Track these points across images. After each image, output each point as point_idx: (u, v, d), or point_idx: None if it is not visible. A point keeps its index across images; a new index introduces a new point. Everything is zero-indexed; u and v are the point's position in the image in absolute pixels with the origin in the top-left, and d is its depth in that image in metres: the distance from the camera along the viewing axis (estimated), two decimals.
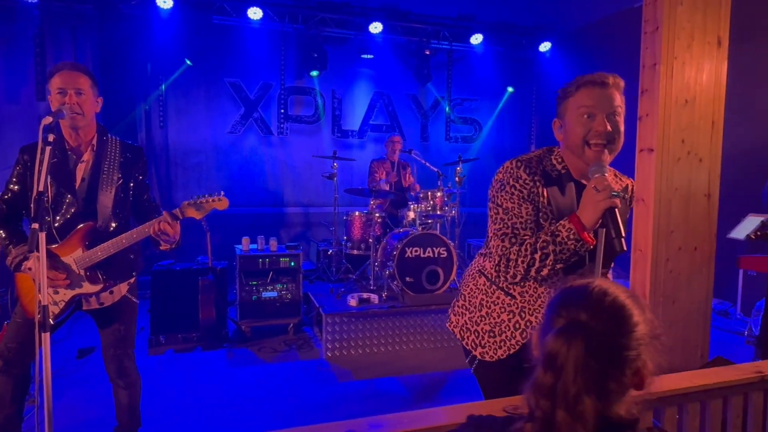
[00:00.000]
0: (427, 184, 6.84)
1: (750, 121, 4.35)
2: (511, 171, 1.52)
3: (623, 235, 1.36)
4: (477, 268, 1.73)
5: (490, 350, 1.65)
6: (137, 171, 2.25)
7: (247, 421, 3.04)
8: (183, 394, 3.36)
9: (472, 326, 1.69)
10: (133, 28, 5.84)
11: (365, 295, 4.40)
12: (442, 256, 4.54)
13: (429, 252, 4.50)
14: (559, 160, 1.56)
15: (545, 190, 1.52)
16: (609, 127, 1.42)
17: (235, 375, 3.69)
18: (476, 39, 6.96)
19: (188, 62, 6.16)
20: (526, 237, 1.48)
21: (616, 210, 1.35)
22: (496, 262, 1.50)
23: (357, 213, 5.30)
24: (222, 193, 2.17)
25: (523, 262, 1.44)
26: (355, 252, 5.25)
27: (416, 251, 4.47)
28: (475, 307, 1.69)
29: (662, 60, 2.75)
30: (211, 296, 4.19)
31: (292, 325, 4.53)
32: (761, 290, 4.68)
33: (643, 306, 0.88)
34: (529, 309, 1.60)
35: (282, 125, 6.82)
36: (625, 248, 1.38)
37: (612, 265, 1.75)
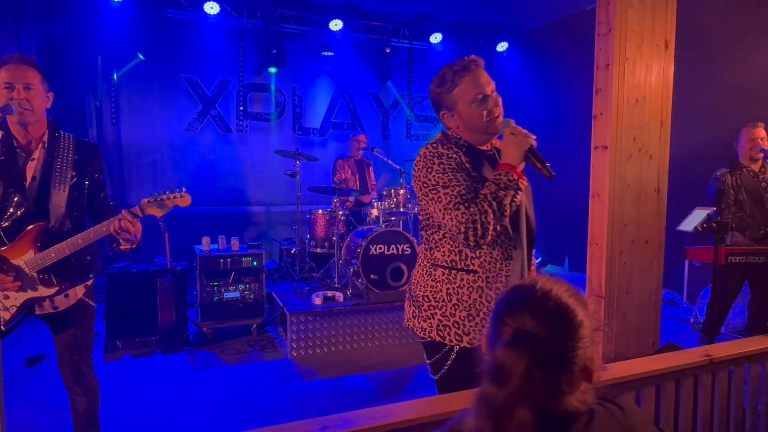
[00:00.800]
0: (390, 181, 6.89)
1: (696, 119, 4.60)
2: (431, 152, 1.64)
3: (547, 164, 1.55)
4: (428, 265, 1.72)
5: (476, 333, 1.64)
6: (93, 169, 2.17)
7: (211, 424, 2.98)
8: (143, 400, 3.25)
9: (449, 320, 1.66)
10: (82, 20, 5.58)
11: (330, 294, 4.38)
12: (405, 252, 4.58)
13: (393, 249, 4.53)
14: (458, 137, 1.70)
15: (465, 157, 1.65)
16: (497, 102, 1.66)
17: (198, 378, 3.60)
18: (436, 38, 7.04)
19: (141, 56, 5.95)
20: (473, 198, 1.57)
21: (534, 147, 1.56)
22: (463, 230, 1.52)
23: (320, 211, 5.27)
24: (184, 189, 2.12)
25: (486, 216, 1.51)
26: (319, 250, 5.22)
27: (380, 248, 4.49)
28: (443, 301, 1.67)
29: (615, 61, 2.86)
30: (170, 298, 4.07)
31: (255, 325, 4.46)
32: (705, 280, 4.96)
33: (584, 301, 0.91)
34: (493, 277, 1.65)
35: (241, 123, 6.69)
36: (554, 173, 1.56)
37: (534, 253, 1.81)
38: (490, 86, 1.66)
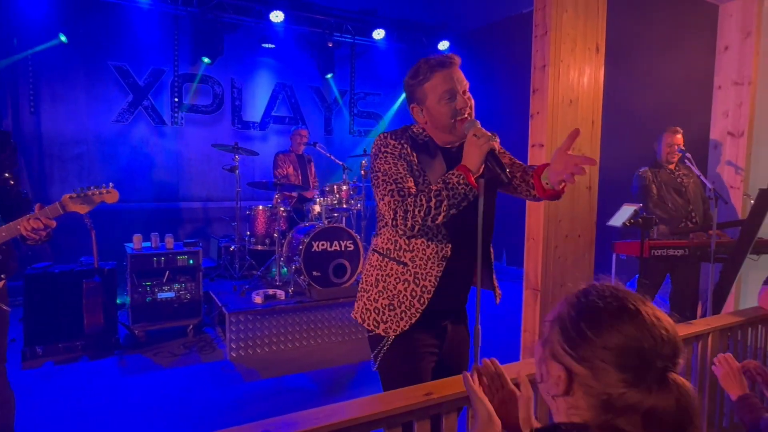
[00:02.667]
0: (332, 177, 6.82)
1: (624, 120, 4.87)
2: (380, 141, 1.66)
3: (506, 169, 1.52)
4: (371, 249, 1.80)
5: (392, 324, 1.66)
6: (4, 160, 1.98)
7: (146, 431, 2.83)
8: (67, 410, 3.03)
9: (371, 304, 1.70)
10: None
11: (271, 292, 4.28)
12: (348, 249, 4.55)
13: (336, 245, 4.49)
14: (421, 131, 1.70)
15: (413, 152, 1.65)
16: (467, 103, 1.63)
17: (129, 384, 3.41)
18: (378, 34, 7.03)
19: (63, 38, 5.50)
20: (410, 188, 1.57)
21: (495, 151, 1.52)
22: (392, 216, 1.53)
23: (261, 207, 5.13)
24: (111, 184, 1.98)
25: (419, 210, 1.50)
26: (260, 247, 5.09)
27: (323, 245, 4.43)
28: (371, 285, 1.72)
29: (551, 62, 2.97)
30: (97, 300, 3.82)
31: (192, 326, 4.28)
32: (631, 272, 5.28)
33: None
34: (422, 274, 1.65)
35: (176, 115, 6.39)
36: (510, 178, 1.58)
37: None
38: (463, 86, 1.63)
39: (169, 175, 6.39)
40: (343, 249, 4.52)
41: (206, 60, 6.18)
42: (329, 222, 4.74)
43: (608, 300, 0.76)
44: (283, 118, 7.11)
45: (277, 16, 6.28)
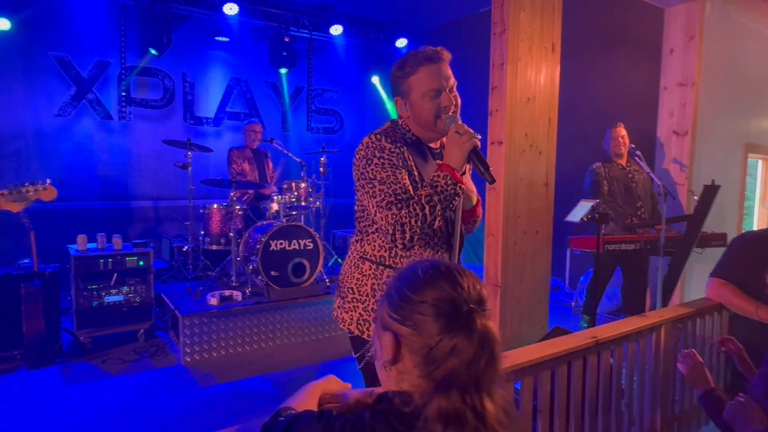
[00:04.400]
0: (290, 175, 6.69)
1: (579, 118, 5.01)
2: (374, 144, 1.55)
3: (490, 168, 1.49)
4: (357, 257, 1.68)
5: None
6: None
7: None
8: (3, 424, 2.82)
9: (370, 315, 1.63)
10: None
11: (227, 293, 4.14)
12: (308, 247, 4.46)
13: (294, 244, 4.39)
14: (407, 128, 1.65)
15: (410, 154, 1.59)
16: (453, 101, 1.58)
17: (74, 394, 3.21)
18: (336, 30, 6.95)
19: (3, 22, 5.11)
20: (409, 198, 1.51)
21: (478, 149, 1.49)
22: (391, 231, 1.47)
23: (215, 205, 4.96)
24: (48, 181, 1.84)
25: (416, 220, 1.45)
26: (215, 247, 4.92)
27: (281, 244, 4.33)
28: (367, 296, 1.63)
29: (509, 60, 3.00)
30: (37, 305, 3.57)
31: (142, 330, 4.08)
32: (585, 266, 5.44)
33: None
34: None
35: (124, 109, 6.09)
36: (495, 179, 1.51)
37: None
38: (450, 83, 1.58)
39: (116, 173, 6.08)
40: (302, 248, 4.43)
41: (153, 51, 5.91)
42: (288, 220, 4.63)
43: (424, 266, 0.86)
44: (238, 114, 6.92)
45: (231, 9, 6.08)
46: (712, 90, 4.28)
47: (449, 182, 1.45)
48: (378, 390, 0.91)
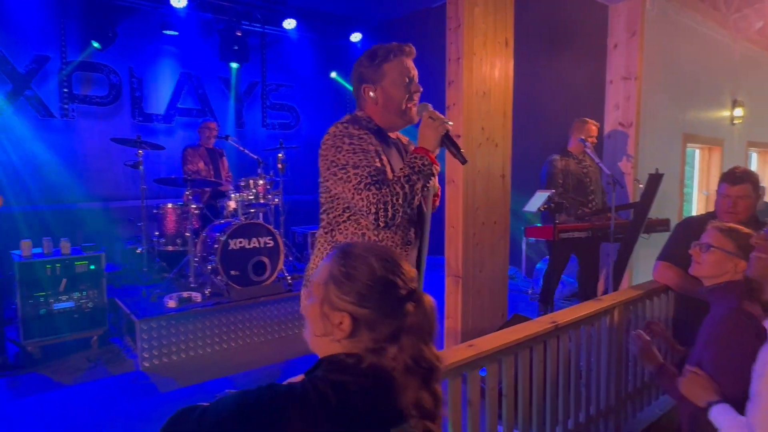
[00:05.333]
0: (247, 172, 6.56)
1: (534, 111, 5.16)
2: (341, 131, 1.59)
3: (462, 150, 1.59)
4: (328, 248, 1.67)
5: None
6: None
7: None
8: None
9: None
10: None
11: (186, 294, 4.04)
12: (268, 245, 4.41)
13: (254, 242, 4.33)
14: (368, 119, 1.69)
15: (376, 140, 1.63)
16: (420, 89, 1.70)
17: (24, 407, 3.05)
18: (290, 24, 6.84)
19: None
20: (385, 179, 1.55)
21: (450, 133, 1.58)
22: (374, 210, 1.49)
23: (170, 205, 4.81)
24: None
25: (398, 198, 1.50)
26: (171, 248, 4.77)
27: (240, 242, 4.25)
28: None
29: (464, 55, 3.06)
30: None
31: (96, 337, 3.92)
32: (539, 255, 5.64)
33: None
34: None
35: (66, 106, 5.79)
36: (467, 159, 1.62)
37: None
38: (417, 75, 1.69)
39: (60, 174, 5.78)
40: (262, 246, 4.37)
41: (96, 45, 5.63)
42: (246, 218, 4.55)
43: (362, 248, 0.96)
44: (190, 110, 6.71)
45: (179, 1, 5.88)
46: (653, 83, 4.51)
47: (426, 163, 1.53)
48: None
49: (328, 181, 1.59)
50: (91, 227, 5.93)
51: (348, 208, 1.60)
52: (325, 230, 1.70)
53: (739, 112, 6.00)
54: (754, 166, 7.32)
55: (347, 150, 1.54)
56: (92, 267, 3.90)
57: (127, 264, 5.03)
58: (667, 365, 1.76)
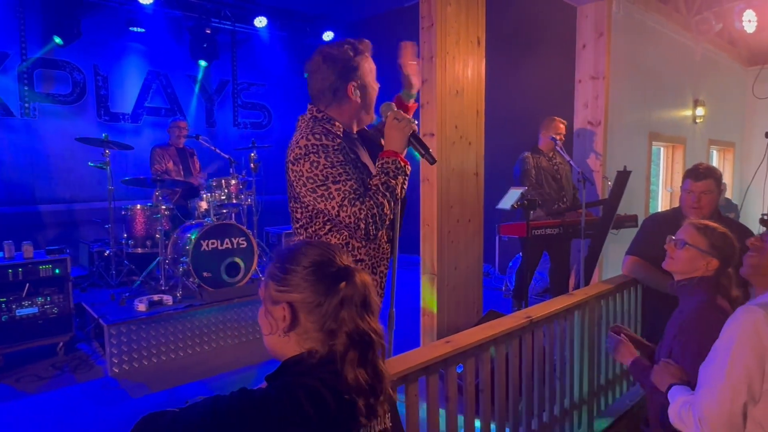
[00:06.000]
0: (219, 171, 6.45)
1: (506, 109, 5.22)
2: (314, 145, 1.50)
3: (429, 149, 1.58)
4: None
5: None
6: None
7: None
8: None
9: None
10: None
11: (156, 297, 3.94)
12: (241, 246, 4.34)
13: (227, 243, 4.26)
14: (331, 121, 1.60)
15: (345, 144, 1.58)
16: (378, 85, 1.71)
17: None
18: (260, 22, 6.76)
19: None
20: (366, 190, 1.53)
21: (416, 132, 1.57)
22: (363, 226, 1.47)
23: (139, 206, 4.68)
24: None
25: (382, 208, 1.49)
26: (140, 250, 4.65)
27: (213, 243, 4.18)
28: None
29: (437, 53, 3.07)
30: None
31: (62, 344, 3.79)
32: (512, 252, 5.71)
33: None
34: (377, 262, 1.65)
35: (27, 105, 5.59)
36: (436, 159, 1.60)
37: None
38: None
39: (22, 175, 5.57)
40: (235, 246, 4.30)
41: (58, 41, 5.44)
42: (218, 219, 4.48)
43: (299, 244, 1.01)
44: (158, 109, 6.56)
45: None
46: (619, 83, 4.62)
47: (399, 165, 1.53)
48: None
49: (306, 197, 1.52)
50: (56, 230, 5.74)
51: (329, 220, 1.56)
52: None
53: (700, 111, 6.22)
54: (714, 163, 7.60)
55: (325, 165, 1.48)
56: (57, 271, 3.77)
57: (94, 267, 4.87)
58: (641, 358, 1.81)
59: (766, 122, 3.56)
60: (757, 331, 1.26)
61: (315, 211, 1.56)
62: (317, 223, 1.59)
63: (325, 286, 0.93)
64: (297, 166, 1.51)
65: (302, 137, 1.52)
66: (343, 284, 0.93)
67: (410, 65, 1.81)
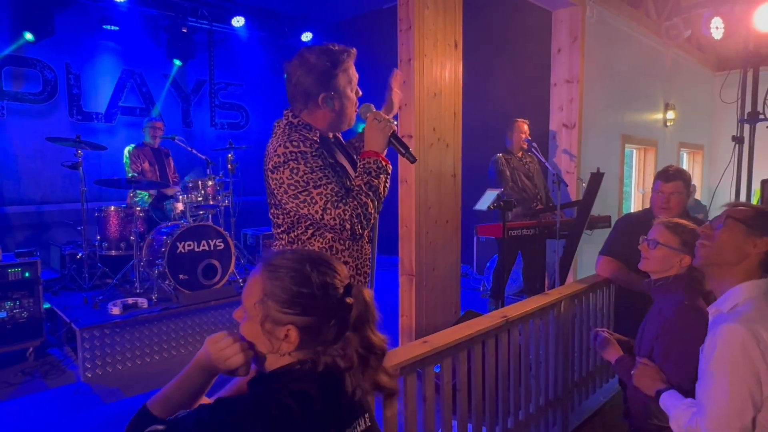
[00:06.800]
0: (196, 173, 6.37)
1: (481, 112, 5.28)
2: (292, 152, 1.50)
3: (410, 148, 1.60)
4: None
5: None
6: None
7: None
8: None
9: None
10: None
11: (131, 301, 3.87)
12: (218, 248, 4.29)
13: (204, 245, 4.20)
14: (308, 126, 1.60)
15: (323, 151, 1.59)
16: (360, 92, 1.70)
17: None
18: (238, 21, 6.69)
19: None
20: (349, 191, 1.54)
21: (396, 133, 1.59)
22: (348, 226, 1.48)
23: (113, 208, 4.59)
24: None
25: (366, 207, 1.50)
26: (114, 253, 4.56)
27: (189, 245, 4.12)
28: None
29: (415, 56, 3.10)
30: None
31: (32, 349, 3.69)
32: (489, 253, 5.78)
33: None
34: (361, 263, 1.66)
35: None
36: (416, 158, 1.62)
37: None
38: (357, 78, 1.70)
39: None
40: (212, 248, 4.25)
41: (29, 37, 5.29)
42: (195, 220, 4.42)
43: (301, 260, 0.97)
44: (133, 108, 6.44)
45: None
46: (594, 86, 4.73)
47: (380, 165, 1.54)
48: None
49: (288, 204, 1.52)
50: (26, 232, 5.58)
51: (312, 225, 1.56)
52: (290, 242, 1.65)
53: (671, 114, 6.39)
54: (684, 165, 7.82)
55: (305, 171, 1.49)
56: (27, 274, 3.67)
57: (66, 270, 4.75)
58: (625, 356, 1.84)
59: (732, 126, 3.68)
60: (745, 352, 1.29)
61: (297, 217, 1.57)
62: (299, 228, 1.59)
63: (333, 310, 0.93)
64: (276, 174, 1.51)
65: (280, 145, 1.52)
66: (350, 302, 0.94)
67: (395, 93, 1.86)
